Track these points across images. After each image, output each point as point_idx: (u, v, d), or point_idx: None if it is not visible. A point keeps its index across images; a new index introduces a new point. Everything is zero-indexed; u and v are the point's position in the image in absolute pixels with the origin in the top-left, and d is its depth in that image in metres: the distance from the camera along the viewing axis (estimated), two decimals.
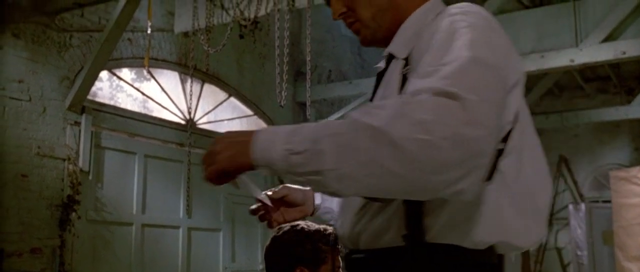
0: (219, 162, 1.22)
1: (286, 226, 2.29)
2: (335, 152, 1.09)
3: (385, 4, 1.43)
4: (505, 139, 1.25)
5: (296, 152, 1.12)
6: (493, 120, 1.10)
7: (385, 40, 1.45)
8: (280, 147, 1.14)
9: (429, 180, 1.07)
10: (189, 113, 7.34)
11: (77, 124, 6.03)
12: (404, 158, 1.05)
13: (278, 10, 5.63)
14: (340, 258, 2.02)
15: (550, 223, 13.48)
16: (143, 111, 6.96)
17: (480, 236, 1.26)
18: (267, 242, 2.37)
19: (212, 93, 7.89)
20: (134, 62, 6.75)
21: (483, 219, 1.25)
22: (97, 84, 6.35)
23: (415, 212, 1.27)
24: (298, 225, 2.28)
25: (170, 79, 7.34)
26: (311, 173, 1.11)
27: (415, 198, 1.18)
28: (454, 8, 1.32)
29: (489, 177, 1.23)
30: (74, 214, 5.89)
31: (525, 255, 12.19)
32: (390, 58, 1.43)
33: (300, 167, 1.12)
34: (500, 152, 1.25)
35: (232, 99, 8.16)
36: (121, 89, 6.79)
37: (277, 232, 2.32)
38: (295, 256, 2.26)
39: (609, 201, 9.68)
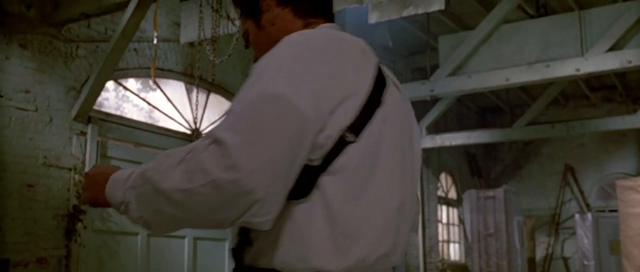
0: (88, 198, 1.41)
1: None
2: (136, 203, 1.26)
3: (266, 34, 1.48)
4: (331, 156, 1.24)
5: (121, 201, 1.29)
6: (259, 157, 1.13)
7: None
8: (118, 194, 1.30)
9: (211, 218, 1.18)
10: (195, 123, 7.36)
11: (83, 134, 6.05)
12: (178, 206, 1.18)
13: None
14: None
15: (557, 232, 13.44)
16: (149, 121, 6.98)
17: (288, 256, 1.24)
18: None
19: (218, 103, 7.91)
20: (140, 72, 6.78)
21: (290, 238, 1.24)
22: (104, 94, 6.38)
23: (244, 229, 1.30)
24: None
25: (176, 89, 7.37)
26: (132, 219, 1.28)
27: (217, 228, 1.27)
28: (289, 36, 1.33)
29: (306, 193, 1.23)
30: (80, 224, 5.89)
31: (532, 265, 12.13)
32: None
33: (128, 214, 1.29)
34: (322, 169, 1.24)
35: None
36: (127, 99, 6.81)
37: None
38: None
39: (615, 211, 9.65)
